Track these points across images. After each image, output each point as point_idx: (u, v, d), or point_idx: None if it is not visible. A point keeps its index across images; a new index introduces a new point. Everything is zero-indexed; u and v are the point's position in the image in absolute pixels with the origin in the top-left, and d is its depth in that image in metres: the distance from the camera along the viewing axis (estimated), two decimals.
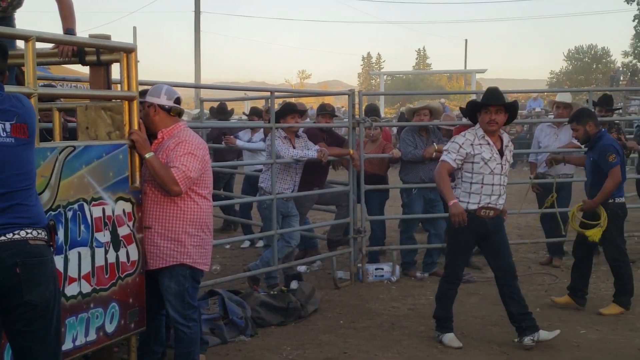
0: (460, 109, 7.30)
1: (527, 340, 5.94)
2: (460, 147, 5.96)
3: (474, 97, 9.11)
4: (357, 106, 8.48)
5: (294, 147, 7.81)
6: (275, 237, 7.53)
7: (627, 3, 55.66)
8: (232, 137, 10.17)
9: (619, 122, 10.35)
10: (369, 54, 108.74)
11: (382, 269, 8.61)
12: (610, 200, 6.93)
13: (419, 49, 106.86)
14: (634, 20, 62.16)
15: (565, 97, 9.47)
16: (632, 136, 10.19)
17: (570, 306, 7.15)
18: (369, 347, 6.09)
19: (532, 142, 10.05)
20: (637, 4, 56.06)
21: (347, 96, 8.50)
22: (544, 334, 5.98)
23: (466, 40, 60.12)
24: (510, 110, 6.02)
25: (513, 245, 9.71)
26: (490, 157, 5.94)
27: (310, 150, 7.86)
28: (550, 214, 8.60)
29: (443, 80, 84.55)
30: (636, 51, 63.19)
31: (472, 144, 5.95)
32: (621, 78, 51.52)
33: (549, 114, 19.49)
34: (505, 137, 6.14)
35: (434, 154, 8.44)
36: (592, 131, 6.94)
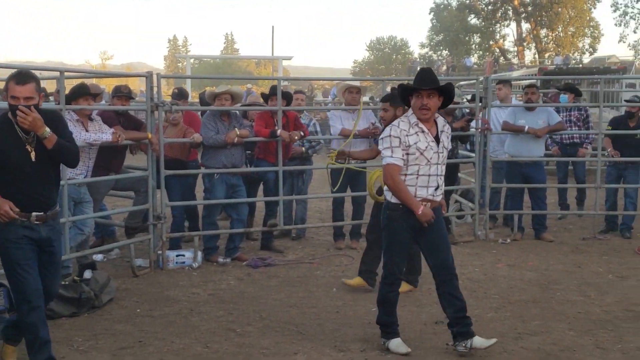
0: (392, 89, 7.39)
1: (460, 347, 5.47)
2: (401, 141, 5.39)
3: (286, 83, 9.15)
4: (155, 89, 8.28)
5: (87, 131, 7.52)
6: (67, 225, 7.23)
7: None
8: None
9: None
10: (175, 36, 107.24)
11: (184, 255, 8.52)
12: None
13: (226, 34, 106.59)
14: (430, 13, 65.61)
15: (354, 82, 9.81)
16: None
17: (361, 287, 7.35)
18: (166, 335, 6.00)
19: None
20: None
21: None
22: (478, 341, 5.45)
23: (273, 26, 60.52)
24: (445, 93, 5.48)
25: (313, 229, 10.06)
26: (427, 147, 5.41)
27: (104, 134, 7.61)
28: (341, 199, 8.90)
29: (251, 65, 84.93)
30: (432, 43, 66.67)
31: (407, 135, 5.40)
32: (418, 68, 54.24)
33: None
34: (440, 121, 5.58)
35: (236, 139, 8.46)
36: (399, 116, 7.10)
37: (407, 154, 5.40)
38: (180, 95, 10.16)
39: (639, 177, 10.37)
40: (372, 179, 7.45)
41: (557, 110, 11.03)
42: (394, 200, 5.50)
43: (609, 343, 5.73)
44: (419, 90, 5.36)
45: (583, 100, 16.64)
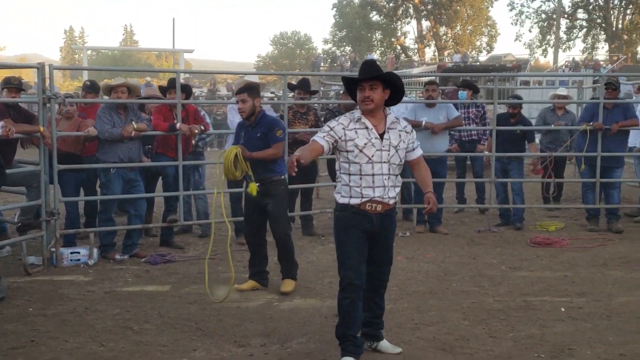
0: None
1: (365, 345, 5.35)
2: (331, 129, 5.09)
3: (186, 76, 9.03)
4: (48, 80, 8.02)
5: None
6: None
7: None
8: None
9: (316, 106, 10.94)
10: (71, 27, 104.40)
11: (79, 252, 8.30)
12: (277, 177, 7.09)
13: (125, 25, 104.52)
14: (332, 9, 66.20)
15: (254, 79, 9.81)
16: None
17: (257, 289, 7.27)
18: (60, 334, 5.82)
19: None
20: None
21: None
22: (384, 345, 5.42)
23: (174, 19, 59.76)
24: (392, 85, 5.13)
25: (215, 225, 9.96)
26: (366, 144, 5.03)
27: None
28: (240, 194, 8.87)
29: (152, 58, 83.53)
30: (335, 39, 67.27)
31: (344, 129, 5.07)
32: (322, 64, 54.47)
33: None
34: (391, 118, 5.18)
35: (133, 132, 8.30)
36: (258, 107, 7.10)
37: (347, 150, 5.06)
38: (91, 88, 9.87)
39: (522, 171, 10.85)
40: (231, 154, 6.99)
41: (456, 107, 11.32)
42: (342, 200, 5.14)
43: (502, 332, 5.89)
44: (361, 82, 5.05)
45: (480, 97, 17.17)
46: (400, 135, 5.14)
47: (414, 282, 7.50)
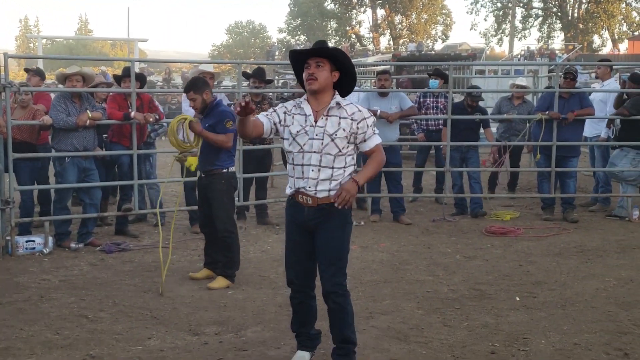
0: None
1: None
2: (274, 110, 4.75)
3: (141, 65, 9.01)
4: (2, 69, 7.96)
5: None
6: None
7: None
8: None
9: (271, 95, 10.96)
10: (26, 16, 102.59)
11: (34, 240, 8.27)
12: (223, 170, 7.01)
13: (80, 15, 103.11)
14: None
15: (208, 67, 9.76)
16: None
17: (211, 277, 7.23)
18: (15, 322, 5.82)
19: None
20: None
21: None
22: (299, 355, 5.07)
23: (128, 8, 59.14)
24: (341, 66, 4.66)
25: (169, 214, 9.96)
26: (299, 131, 4.62)
27: None
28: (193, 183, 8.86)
29: (106, 47, 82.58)
30: (290, 28, 67.14)
31: (285, 112, 4.72)
32: (276, 53, 54.37)
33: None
34: (333, 104, 4.64)
35: (88, 121, 8.27)
36: (209, 100, 7.06)
37: (283, 138, 4.71)
38: (37, 72, 9.78)
39: (479, 159, 10.96)
40: (181, 118, 7.04)
41: (425, 96, 11.38)
42: (287, 190, 4.82)
43: (456, 321, 5.99)
44: (308, 59, 4.60)
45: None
46: (340, 123, 4.58)
47: (368, 271, 7.59)
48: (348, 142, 4.62)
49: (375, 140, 4.72)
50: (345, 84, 4.73)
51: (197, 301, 6.51)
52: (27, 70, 10.24)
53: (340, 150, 4.60)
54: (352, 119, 4.60)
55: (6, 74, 8.01)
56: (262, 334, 5.65)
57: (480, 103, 10.89)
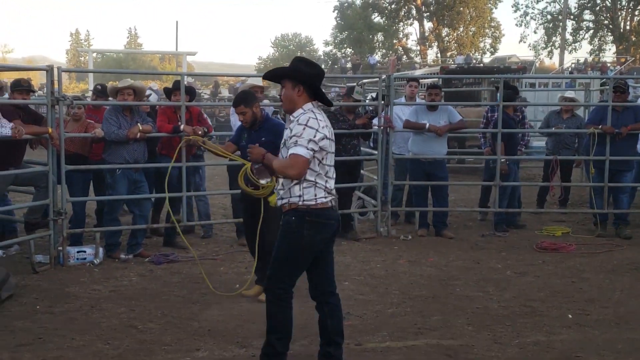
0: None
1: None
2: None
3: (189, 79, 9.13)
4: (56, 82, 8.11)
5: None
6: None
7: None
8: None
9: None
10: (77, 30, 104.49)
11: (85, 251, 8.39)
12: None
13: (130, 28, 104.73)
14: (334, 11, 66.15)
15: (257, 81, 9.78)
16: None
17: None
18: (66, 331, 5.90)
19: None
20: None
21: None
22: None
23: (177, 21, 60.10)
24: (301, 79, 4.82)
25: (217, 226, 10.03)
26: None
27: (4, 128, 7.40)
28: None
29: (155, 60, 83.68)
30: (336, 41, 67.24)
31: None
32: (322, 66, 54.54)
33: None
34: (295, 115, 4.84)
35: (138, 134, 8.38)
36: (259, 113, 7.06)
37: None
38: (102, 92, 9.92)
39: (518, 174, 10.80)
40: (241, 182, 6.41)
41: (493, 110, 11.18)
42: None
43: (507, 338, 5.89)
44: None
45: (484, 99, 17.20)
46: (289, 131, 4.81)
47: (416, 286, 7.53)
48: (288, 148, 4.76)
49: (292, 151, 4.69)
50: (313, 93, 4.85)
51: (245, 313, 6.52)
52: (94, 91, 10.28)
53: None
54: (290, 128, 4.79)
55: (60, 87, 8.16)
56: (309, 347, 5.62)
57: (530, 117, 10.75)
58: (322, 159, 4.78)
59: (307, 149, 4.66)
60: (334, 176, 4.98)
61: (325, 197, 4.85)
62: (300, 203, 4.80)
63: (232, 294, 7.05)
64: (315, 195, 4.80)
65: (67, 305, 6.67)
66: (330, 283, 5.19)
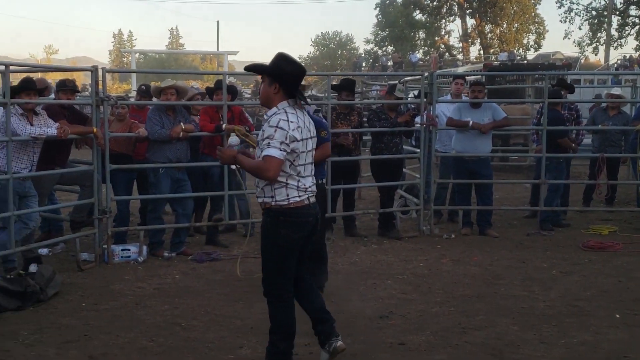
0: None
1: None
2: None
3: (232, 79, 9.16)
4: (101, 83, 8.20)
5: (32, 125, 7.40)
6: (12, 219, 7.12)
7: None
8: None
9: (359, 107, 10.87)
10: (120, 30, 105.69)
11: (129, 249, 8.47)
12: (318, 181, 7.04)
13: (171, 29, 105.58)
14: (375, 9, 65.95)
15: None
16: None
17: None
18: (111, 328, 5.97)
19: None
20: None
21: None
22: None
23: (218, 21, 60.46)
24: (275, 76, 4.79)
25: (258, 224, 10.04)
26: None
27: (49, 128, 7.49)
28: None
29: (197, 60, 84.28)
30: (377, 39, 66.99)
31: None
32: (363, 64, 54.28)
33: None
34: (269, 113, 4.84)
35: (181, 133, 8.43)
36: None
37: None
38: (146, 92, 10.00)
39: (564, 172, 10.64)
40: None
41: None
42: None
43: (553, 338, 5.81)
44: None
45: (528, 96, 16.98)
46: (262, 132, 4.77)
47: (460, 286, 7.46)
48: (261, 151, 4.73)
49: (265, 153, 4.66)
50: (291, 92, 4.81)
51: None
52: (138, 91, 10.37)
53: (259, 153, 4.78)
54: (262, 129, 4.76)
55: (104, 88, 8.25)
56: (353, 346, 5.58)
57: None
58: (294, 160, 4.76)
59: (280, 150, 4.64)
60: (311, 173, 4.98)
61: (299, 196, 4.83)
62: (274, 203, 4.82)
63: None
64: (288, 195, 4.80)
65: (111, 303, 6.75)
66: (303, 269, 5.22)
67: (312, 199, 4.96)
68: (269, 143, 4.64)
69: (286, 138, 4.64)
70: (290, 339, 5.05)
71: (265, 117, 4.82)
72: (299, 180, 4.82)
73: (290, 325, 5.03)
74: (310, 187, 4.93)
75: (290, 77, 4.78)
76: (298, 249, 4.95)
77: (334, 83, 10.47)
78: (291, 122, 4.69)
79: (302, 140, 4.76)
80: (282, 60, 4.81)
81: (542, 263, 8.47)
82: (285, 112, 4.73)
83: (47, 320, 6.20)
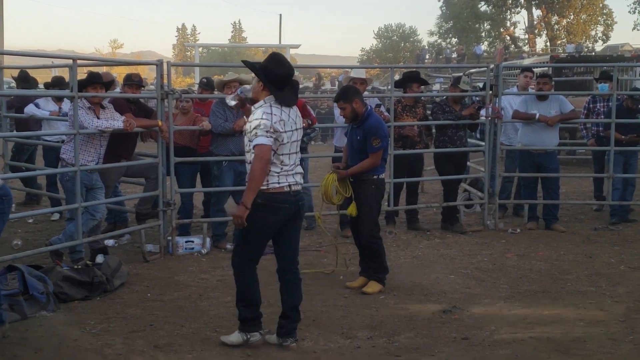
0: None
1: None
2: None
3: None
4: (165, 77, 8.30)
5: (99, 118, 7.54)
6: (79, 211, 7.28)
7: None
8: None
9: (424, 99, 10.76)
10: (183, 25, 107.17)
11: (193, 241, 8.57)
12: (368, 177, 6.99)
13: (234, 22, 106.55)
14: (439, 0, 65.36)
15: (360, 73, 9.62)
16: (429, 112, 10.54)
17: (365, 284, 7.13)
18: (176, 319, 6.05)
19: None
20: None
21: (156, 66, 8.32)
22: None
23: (280, 15, 60.66)
24: (262, 76, 5.25)
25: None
26: None
27: (116, 121, 7.62)
28: None
29: (259, 54, 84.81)
30: (441, 31, 66.39)
31: None
32: (427, 57, 53.86)
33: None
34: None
35: (244, 126, 8.46)
36: (359, 109, 6.98)
37: None
38: (207, 85, 10.08)
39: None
40: (328, 182, 7.08)
41: (595, 101, 10.91)
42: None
43: (621, 334, 5.69)
44: None
45: (595, 88, 16.60)
46: (249, 125, 5.22)
47: (526, 281, 7.34)
48: (249, 141, 5.19)
49: (255, 141, 5.12)
50: (277, 89, 5.21)
51: (349, 305, 6.52)
52: (201, 85, 10.46)
53: (250, 148, 5.18)
54: (249, 121, 5.23)
55: (169, 82, 8.34)
56: (415, 340, 5.57)
57: None
58: (277, 149, 5.18)
59: (267, 137, 5.07)
60: (296, 162, 5.43)
61: (279, 183, 5.24)
62: None
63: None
64: (268, 181, 5.19)
65: (176, 294, 6.84)
66: (290, 262, 5.63)
67: (295, 187, 5.37)
68: (256, 133, 5.09)
69: (270, 127, 5.08)
70: (254, 307, 5.51)
71: (253, 109, 5.29)
72: (281, 169, 5.25)
73: (254, 293, 5.54)
74: (294, 175, 5.36)
75: (275, 76, 5.19)
76: (273, 232, 5.42)
77: (397, 78, 10.39)
78: (274, 114, 5.13)
79: (285, 132, 5.19)
80: (270, 60, 5.32)
81: (609, 258, 8.28)
82: (270, 105, 5.18)
83: (113, 310, 6.31)
